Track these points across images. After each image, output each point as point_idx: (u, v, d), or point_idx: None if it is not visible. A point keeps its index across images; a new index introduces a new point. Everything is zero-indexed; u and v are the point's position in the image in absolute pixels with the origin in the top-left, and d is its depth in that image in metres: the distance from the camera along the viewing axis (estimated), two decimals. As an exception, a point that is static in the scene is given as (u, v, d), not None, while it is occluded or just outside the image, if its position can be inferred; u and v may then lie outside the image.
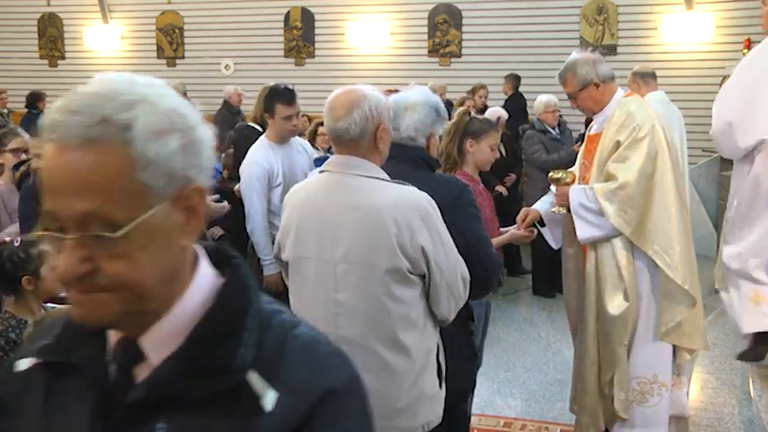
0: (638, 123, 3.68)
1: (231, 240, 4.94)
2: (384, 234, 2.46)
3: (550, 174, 3.88)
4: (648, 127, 3.66)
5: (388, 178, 2.59)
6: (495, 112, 7.64)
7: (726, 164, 8.83)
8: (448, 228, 2.60)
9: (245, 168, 4.54)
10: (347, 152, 2.58)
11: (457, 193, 2.86)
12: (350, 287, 2.51)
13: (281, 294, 4.23)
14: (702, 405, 4.13)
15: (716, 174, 8.76)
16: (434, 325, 2.65)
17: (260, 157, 4.51)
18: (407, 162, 2.88)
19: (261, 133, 5.01)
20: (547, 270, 7.32)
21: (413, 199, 2.52)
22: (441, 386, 2.66)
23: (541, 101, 7.58)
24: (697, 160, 9.23)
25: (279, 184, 4.47)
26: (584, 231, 3.69)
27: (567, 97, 3.93)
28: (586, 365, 3.79)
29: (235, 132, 6.44)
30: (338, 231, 2.52)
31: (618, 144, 3.70)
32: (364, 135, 2.54)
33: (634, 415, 3.76)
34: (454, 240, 2.61)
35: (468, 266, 2.68)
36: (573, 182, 3.82)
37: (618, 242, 3.67)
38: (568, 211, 3.76)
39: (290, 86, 4.59)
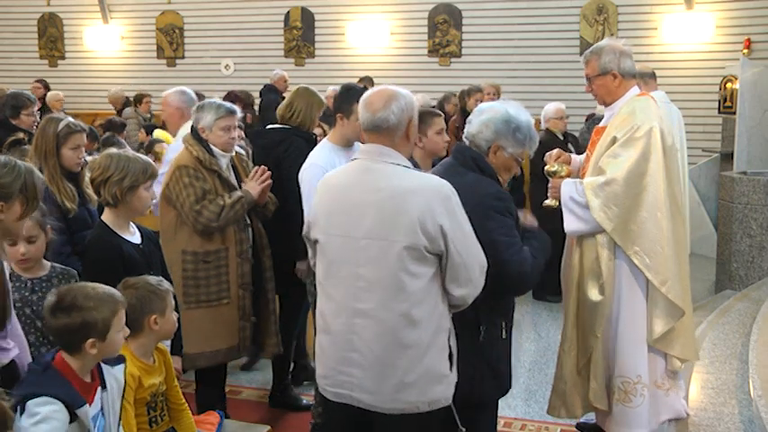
0: (638, 123, 3.67)
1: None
2: (406, 213, 2.67)
3: (546, 167, 3.89)
4: (647, 128, 3.65)
5: (412, 167, 2.83)
6: (556, 105, 7.56)
7: (726, 164, 8.85)
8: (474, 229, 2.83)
9: (305, 172, 4.16)
10: (379, 141, 2.81)
11: (479, 196, 3.02)
12: (370, 261, 2.72)
13: None
14: (702, 405, 4.13)
15: (716, 174, 8.76)
16: (448, 308, 2.81)
17: (322, 159, 4.12)
18: (457, 158, 3.20)
19: (306, 135, 4.76)
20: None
21: (434, 184, 2.76)
22: (451, 369, 2.82)
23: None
24: (697, 160, 9.23)
25: None
26: (571, 224, 3.72)
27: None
28: (564, 350, 3.86)
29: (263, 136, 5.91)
30: (363, 210, 2.74)
31: (614, 140, 3.71)
32: (400, 125, 2.79)
33: (618, 414, 3.80)
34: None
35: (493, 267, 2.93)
36: (567, 175, 3.84)
37: (601, 238, 3.70)
38: (560, 203, 3.79)
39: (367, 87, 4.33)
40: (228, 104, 4.20)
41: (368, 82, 9.48)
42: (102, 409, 2.61)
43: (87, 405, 2.49)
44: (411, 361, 2.71)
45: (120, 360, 2.75)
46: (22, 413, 2.34)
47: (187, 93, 5.20)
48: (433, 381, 2.75)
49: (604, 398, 3.82)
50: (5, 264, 2.65)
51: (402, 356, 2.71)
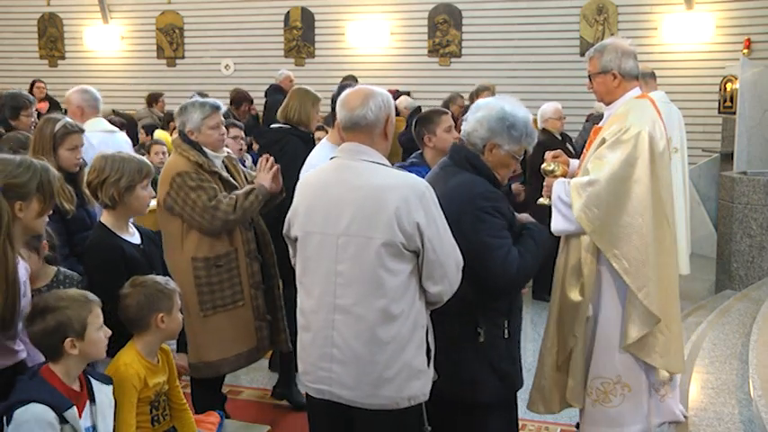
0: (627, 125, 3.63)
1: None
2: (383, 210, 2.69)
3: (543, 165, 3.86)
4: (635, 131, 3.60)
5: (390, 165, 2.86)
6: (554, 105, 7.54)
7: (726, 164, 8.85)
8: (454, 227, 2.83)
9: (307, 173, 4.19)
10: (357, 140, 2.83)
11: (470, 196, 3.02)
12: (348, 258, 2.74)
13: None
14: (702, 405, 4.13)
15: (716, 174, 8.76)
16: (425, 304, 2.84)
17: (323, 160, 4.25)
18: (452, 158, 3.18)
19: (303, 135, 4.79)
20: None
21: (411, 182, 2.78)
22: (429, 365, 2.85)
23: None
24: (697, 160, 9.23)
25: None
26: (558, 224, 3.70)
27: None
28: (547, 347, 3.87)
29: (264, 135, 5.80)
30: (342, 208, 2.76)
31: (603, 141, 3.68)
32: (378, 122, 2.82)
33: (598, 414, 3.78)
34: (460, 241, 2.83)
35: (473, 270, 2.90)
36: (563, 175, 3.83)
37: (585, 239, 3.69)
38: None
39: None
40: (212, 101, 4.13)
41: (352, 81, 9.49)
42: (92, 425, 2.62)
43: (75, 408, 2.50)
44: (390, 356, 2.74)
45: (109, 380, 2.77)
46: (9, 423, 2.36)
47: (89, 91, 5.22)
48: (412, 376, 2.78)
49: (581, 397, 3.81)
50: (24, 266, 2.65)
51: (381, 352, 2.73)
